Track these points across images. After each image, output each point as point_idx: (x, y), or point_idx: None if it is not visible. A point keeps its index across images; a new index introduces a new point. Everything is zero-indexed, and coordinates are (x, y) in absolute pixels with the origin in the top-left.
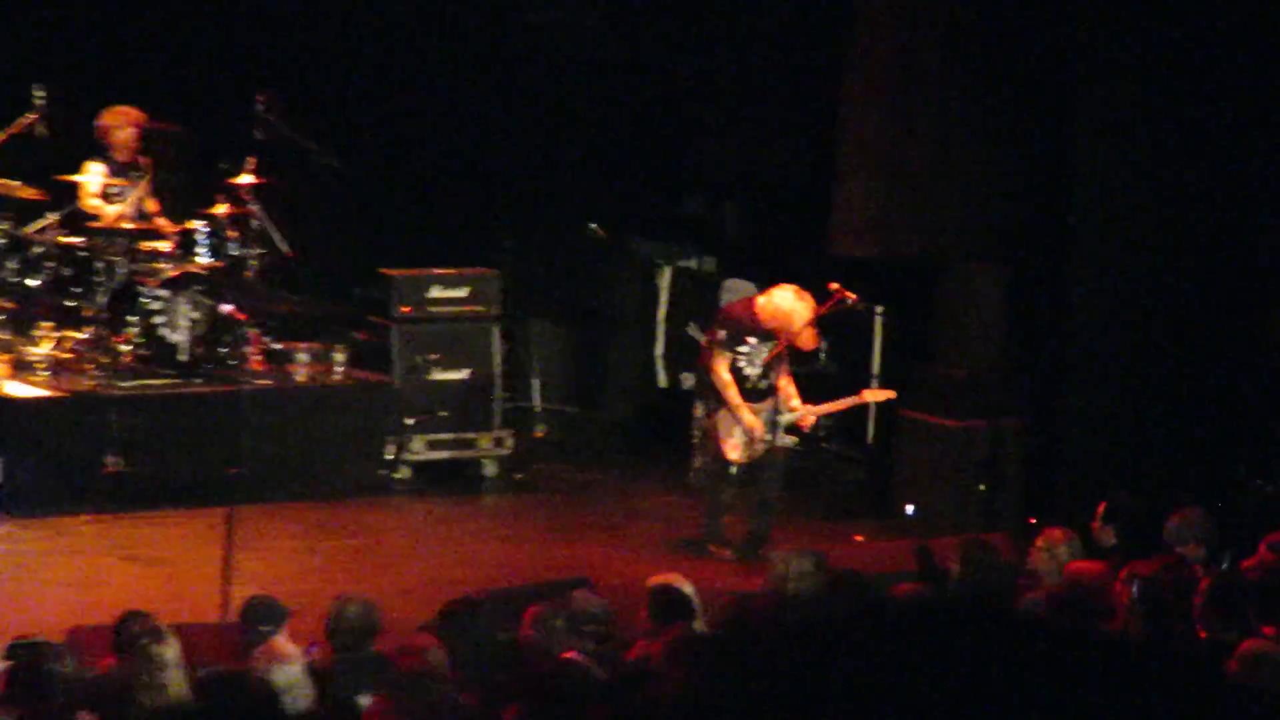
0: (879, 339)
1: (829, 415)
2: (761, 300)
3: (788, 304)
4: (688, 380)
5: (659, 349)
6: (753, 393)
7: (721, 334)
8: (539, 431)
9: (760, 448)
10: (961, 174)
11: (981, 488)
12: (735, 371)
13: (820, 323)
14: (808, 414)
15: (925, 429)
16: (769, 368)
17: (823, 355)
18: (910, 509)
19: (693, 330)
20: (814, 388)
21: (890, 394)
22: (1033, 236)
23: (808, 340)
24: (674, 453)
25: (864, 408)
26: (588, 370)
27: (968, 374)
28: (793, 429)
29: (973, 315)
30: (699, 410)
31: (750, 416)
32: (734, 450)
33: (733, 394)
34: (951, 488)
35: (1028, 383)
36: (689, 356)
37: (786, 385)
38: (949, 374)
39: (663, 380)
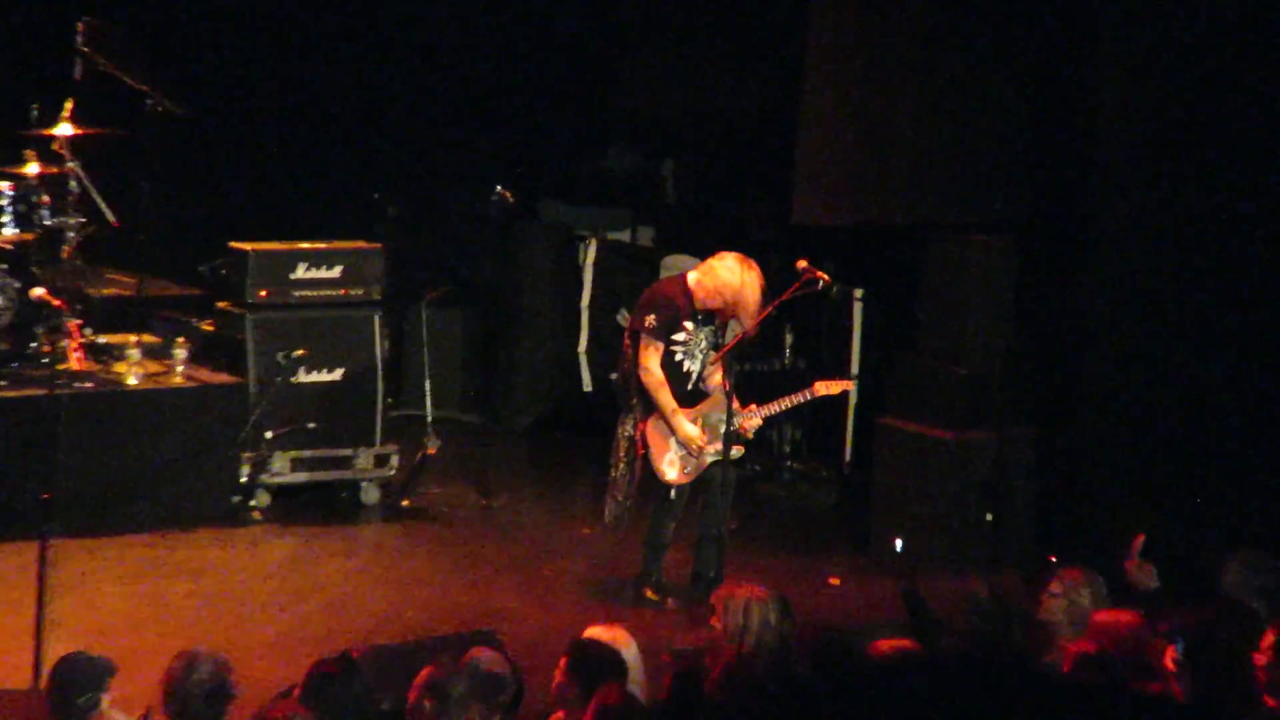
0: (858, 329)
1: (775, 414)
2: (697, 274)
3: (732, 276)
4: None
5: (582, 343)
6: (693, 394)
7: (651, 319)
8: (432, 447)
9: (704, 464)
10: (957, 129)
11: (988, 517)
12: (670, 367)
13: (786, 310)
14: (749, 417)
15: (914, 442)
16: (725, 360)
17: (788, 351)
18: (898, 544)
19: (624, 319)
20: (777, 391)
21: (847, 384)
22: (1043, 204)
23: (746, 317)
24: (601, 473)
25: (836, 413)
26: (493, 370)
27: (967, 371)
28: (734, 436)
29: (972, 299)
30: (626, 424)
31: (689, 425)
32: (671, 469)
33: (666, 397)
34: (948, 516)
35: (1041, 381)
36: (618, 351)
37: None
38: (943, 372)
39: (587, 383)
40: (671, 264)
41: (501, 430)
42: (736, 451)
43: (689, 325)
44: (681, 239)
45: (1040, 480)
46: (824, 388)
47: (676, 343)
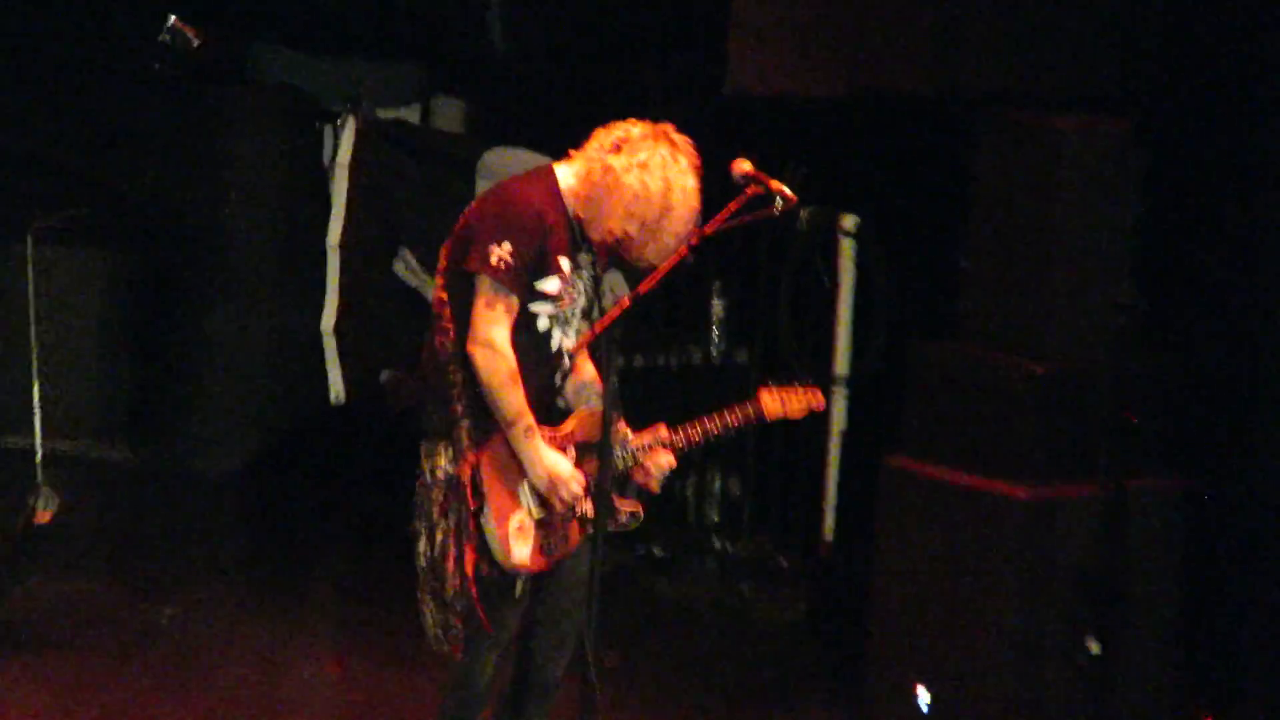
0: (848, 293)
1: (695, 448)
2: (579, 167)
3: (653, 175)
4: (396, 388)
5: (330, 315)
6: (556, 402)
7: (502, 251)
8: (43, 510)
9: (574, 539)
10: None
11: (1092, 648)
12: (529, 343)
13: (712, 253)
14: (650, 450)
15: (951, 502)
16: (602, 345)
17: (716, 330)
18: (922, 698)
19: (403, 266)
20: (699, 404)
21: (813, 399)
22: (1191, 67)
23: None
24: (353, 548)
25: (805, 449)
26: (166, 367)
27: (1052, 370)
28: (625, 487)
29: (1060, 234)
30: (437, 459)
31: (556, 457)
32: (520, 541)
33: (518, 402)
34: (1016, 642)
35: (1186, 393)
36: (403, 325)
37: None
38: (1008, 372)
39: (338, 388)
40: (497, 165)
41: (183, 479)
42: (625, 516)
43: (565, 265)
44: (518, 119)
45: (1186, 573)
46: (776, 401)
47: (544, 297)
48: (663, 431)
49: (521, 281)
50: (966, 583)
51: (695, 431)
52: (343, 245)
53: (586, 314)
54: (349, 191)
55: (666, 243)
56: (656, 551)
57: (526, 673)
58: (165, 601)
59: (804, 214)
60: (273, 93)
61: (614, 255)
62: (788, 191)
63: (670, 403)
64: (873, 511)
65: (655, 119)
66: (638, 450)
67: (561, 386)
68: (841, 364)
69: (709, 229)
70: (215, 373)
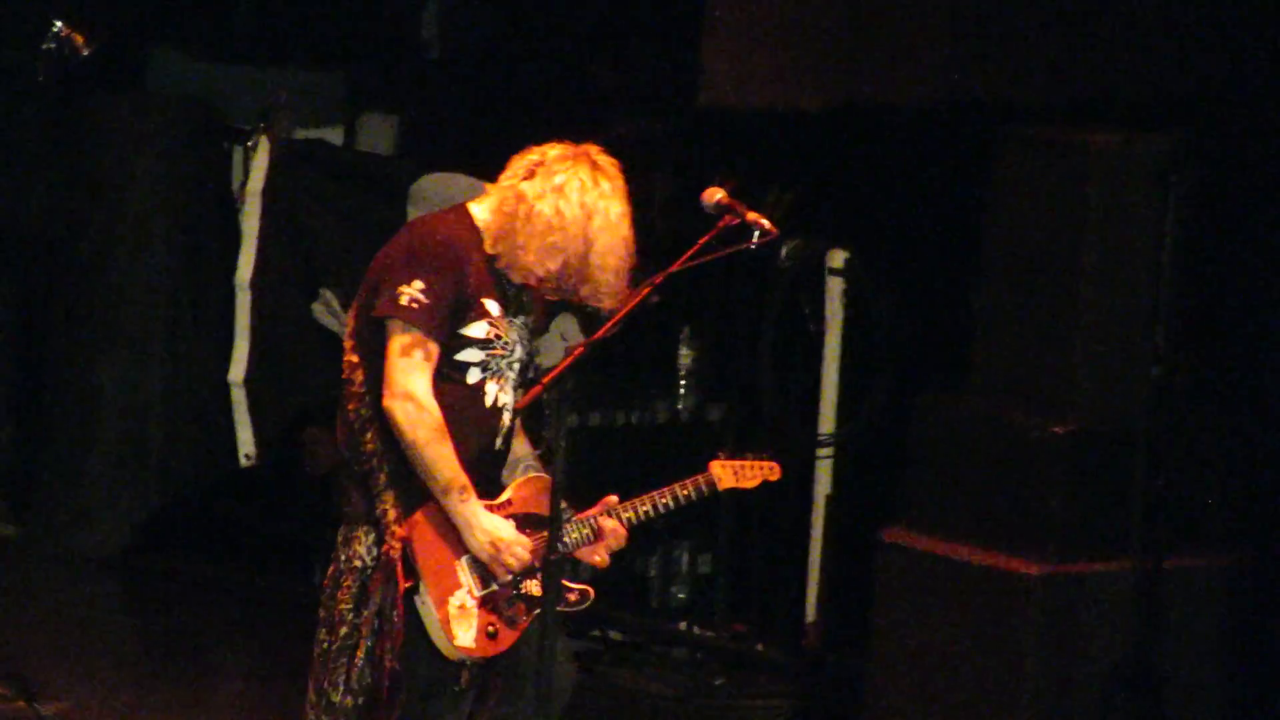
0: (836, 338)
1: (651, 521)
2: (492, 202)
3: (570, 202)
4: (316, 447)
5: (240, 365)
6: (497, 462)
7: (414, 290)
8: None
9: (521, 620)
10: None
11: None
12: (459, 396)
13: (682, 291)
14: (604, 517)
15: (960, 582)
16: (551, 402)
17: (682, 379)
18: None
19: (323, 308)
20: (662, 461)
21: (768, 471)
22: (1247, 71)
23: (603, 295)
24: (265, 630)
25: (784, 519)
26: (45, 424)
27: (1077, 429)
28: (574, 567)
29: (1090, 268)
30: (357, 539)
31: (499, 520)
32: (462, 623)
33: (447, 458)
34: None
35: (1239, 454)
36: (322, 374)
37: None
38: (1027, 431)
39: (248, 447)
40: (432, 192)
41: (64, 556)
42: (576, 596)
43: (493, 307)
44: (456, 140)
45: (1231, 663)
46: (729, 472)
47: (471, 343)
48: (612, 500)
49: (439, 323)
50: (977, 676)
51: (643, 507)
52: (254, 284)
53: (524, 369)
54: (261, 222)
55: (603, 279)
56: (615, 637)
57: None
58: (48, 697)
59: (786, 249)
60: (173, 105)
61: (561, 301)
62: (767, 223)
63: (631, 467)
64: (867, 592)
65: (616, 137)
66: (583, 525)
67: (503, 451)
68: (829, 422)
69: (676, 266)
70: (104, 431)
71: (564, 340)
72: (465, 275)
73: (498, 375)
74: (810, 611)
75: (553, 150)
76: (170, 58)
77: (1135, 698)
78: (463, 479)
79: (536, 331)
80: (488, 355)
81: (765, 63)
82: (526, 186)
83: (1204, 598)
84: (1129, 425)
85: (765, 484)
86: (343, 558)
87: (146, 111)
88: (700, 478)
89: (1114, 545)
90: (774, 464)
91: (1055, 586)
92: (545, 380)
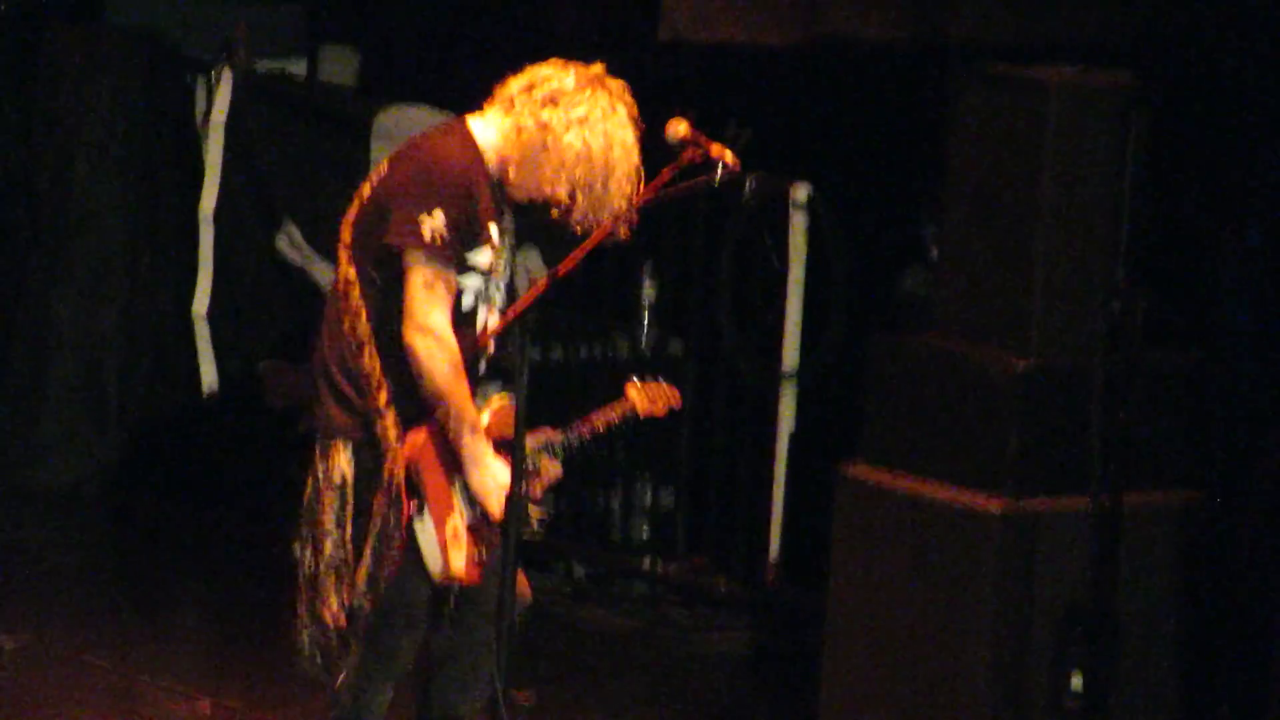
0: (798, 274)
1: (580, 442)
2: (504, 121)
3: (591, 129)
4: (276, 380)
5: (202, 299)
6: (480, 378)
7: (435, 220)
8: None
9: (491, 551)
10: None
11: (1074, 682)
12: (455, 324)
13: (645, 227)
14: (539, 451)
15: (919, 517)
16: (514, 334)
17: (646, 315)
18: None
19: (286, 241)
20: (617, 396)
21: (671, 397)
22: (1180, 33)
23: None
24: (223, 567)
25: (745, 456)
26: None
27: (1036, 363)
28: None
29: (1048, 206)
30: (338, 456)
31: (502, 465)
32: (456, 548)
33: (463, 396)
34: (992, 680)
35: (1196, 389)
36: (284, 308)
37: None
38: (986, 368)
39: (210, 379)
40: (394, 126)
41: (19, 492)
42: (536, 523)
43: (494, 233)
44: (418, 72)
45: (1188, 600)
46: (644, 397)
47: (473, 269)
48: (553, 434)
49: (458, 255)
50: (935, 611)
51: (579, 430)
52: (216, 218)
53: (509, 290)
54: (224, 156)
55: (614, 203)
56: (577, 572)
57: (432, 713)
58: (5, 631)
59: (749, 183)
60: (128, 37)
61: (538, 219)
62: (730, 157)
63: (593, 401)
64: (827, 528)
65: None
66: (532, 455)
67: (483, 373)
68: (791, 357)
69: (638, 200)
70: (60, 366)
71: (527, 273)
72: (477, 204)
73: (488, 301)
74: (773, 548)
75: (567, 77)
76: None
77: (1092, 635)
78: (475, 415)
79: (514, 251)
80: (485, 281)
81: None
82: (550, 116)
83: (1161, 534)
84: (1087, 361)
85: (727, 417)
86: (320, 473)
87: (101, 43)
88: (620, 404)
89: (1071, 481)
90: (675, 391)
91: (1012, 521)
92: (510, 313)
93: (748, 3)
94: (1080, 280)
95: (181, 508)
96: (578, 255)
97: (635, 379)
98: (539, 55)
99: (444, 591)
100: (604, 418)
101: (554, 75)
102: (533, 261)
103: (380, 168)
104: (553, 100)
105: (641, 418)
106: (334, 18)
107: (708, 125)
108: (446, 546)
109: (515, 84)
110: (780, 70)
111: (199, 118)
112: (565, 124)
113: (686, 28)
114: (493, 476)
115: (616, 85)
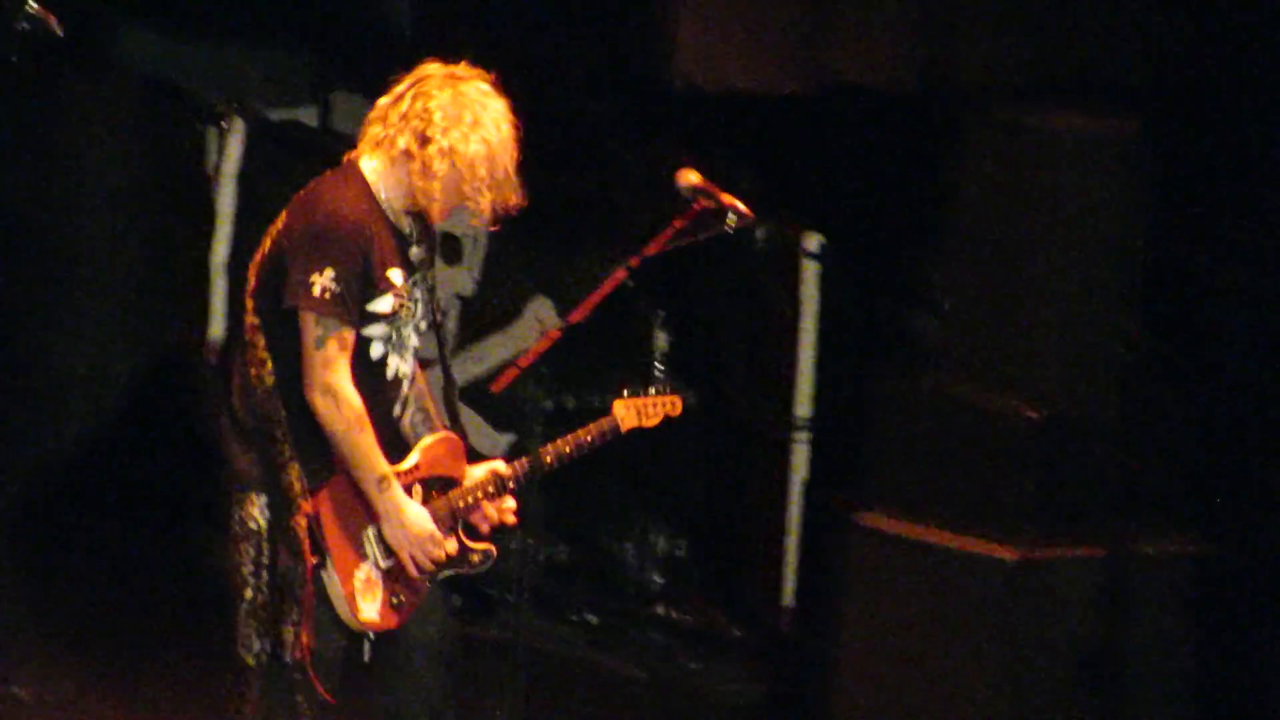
0: (810, 321)
1: (558, 464)
2: (384, 163)
3: (486, 126)
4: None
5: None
6: (396, 434)
7: (326, 278)
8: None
9: (423, 592)
10: None
11: None
12: (362, 374)
13: (651, 274)
14: (479, 492)
15: (927, 564)
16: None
17: (656, 362)
18: None
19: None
20: (635, 443)
21: (670, 406)
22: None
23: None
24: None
25: (755, 493)
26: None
27: (1046, 414)
28: (470, 530)
29: (1058, 254)
30: (250, 506)
31: (420, 513)
32: (368, 598)
33: (370, 446)
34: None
35: (1203, 444)
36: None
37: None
38: (994, 415)
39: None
40: None
41: None
42: (478, 558)
43: (397, 277)
44: None
45: (1197, 648)
46: (631, 413)
47: (376, 318)
48: (501, 468)
49: (351, 309)
50: (946, 658)
51: (550, 454)
52: (229, 267)
53: (432, 328)
54: (236, 204)
55: (514, 180)
56: (590, 620)
57: None
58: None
59: (761, 232)
60: (141, 83)
61: (535, 284)
62: (742, 206)
63: (604, 450)
64: (840, 576)
65: (586, 116)
66: (478, 490)
67: (400, 418)
68: (803, 405)
69: (652, 249)
70: (72, 410)
71: (539, 324)
72: (371, 252)
73: (399, 348)
74: (787, 596)
75: (432, 85)
76: (139, 37)
77: (1100, 684)
78: (384, 467)
79: (432, 289)
80: (390, 329)
81: (734, 45)
82: (449, 138)
83: (1168, 582)
84: (1097, 410)
85: (739, 466)
86: (235, 521)
87: (113, 89)
88: (604, 421)
89: (1080, 530)
90: (675, 398)
91: (1021, 569)
92: (522, 363)
93: (759, 51)
94: (1089, 329)
95: (104, 527)
96: (590, 304)
97: (625, 392)
98: (552, 103)
99: (359, 640)
100: (573, 441)
101: (419, 92)
102: (546, 314)
103: (281, 217)
104: (442, 121)
105: (625, 433)
106: (345, 66)
107: (719, 175)
108: (354, 597)
109: (391, 112)
110: (792, 118)
111: (210, 166)
112: (463, 137)
113: (696, 75)
114: (404, 528)
115: (468, 70)
